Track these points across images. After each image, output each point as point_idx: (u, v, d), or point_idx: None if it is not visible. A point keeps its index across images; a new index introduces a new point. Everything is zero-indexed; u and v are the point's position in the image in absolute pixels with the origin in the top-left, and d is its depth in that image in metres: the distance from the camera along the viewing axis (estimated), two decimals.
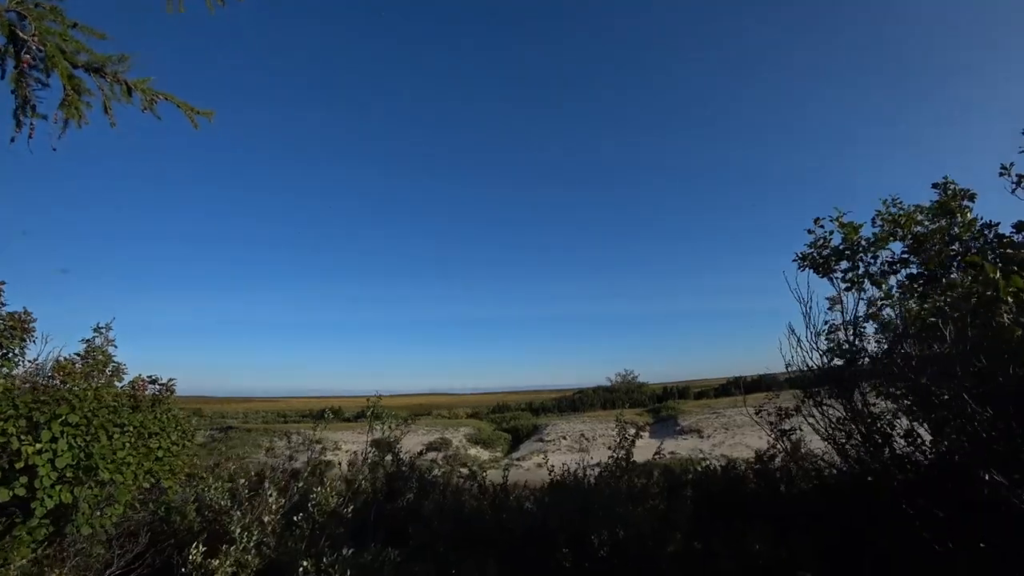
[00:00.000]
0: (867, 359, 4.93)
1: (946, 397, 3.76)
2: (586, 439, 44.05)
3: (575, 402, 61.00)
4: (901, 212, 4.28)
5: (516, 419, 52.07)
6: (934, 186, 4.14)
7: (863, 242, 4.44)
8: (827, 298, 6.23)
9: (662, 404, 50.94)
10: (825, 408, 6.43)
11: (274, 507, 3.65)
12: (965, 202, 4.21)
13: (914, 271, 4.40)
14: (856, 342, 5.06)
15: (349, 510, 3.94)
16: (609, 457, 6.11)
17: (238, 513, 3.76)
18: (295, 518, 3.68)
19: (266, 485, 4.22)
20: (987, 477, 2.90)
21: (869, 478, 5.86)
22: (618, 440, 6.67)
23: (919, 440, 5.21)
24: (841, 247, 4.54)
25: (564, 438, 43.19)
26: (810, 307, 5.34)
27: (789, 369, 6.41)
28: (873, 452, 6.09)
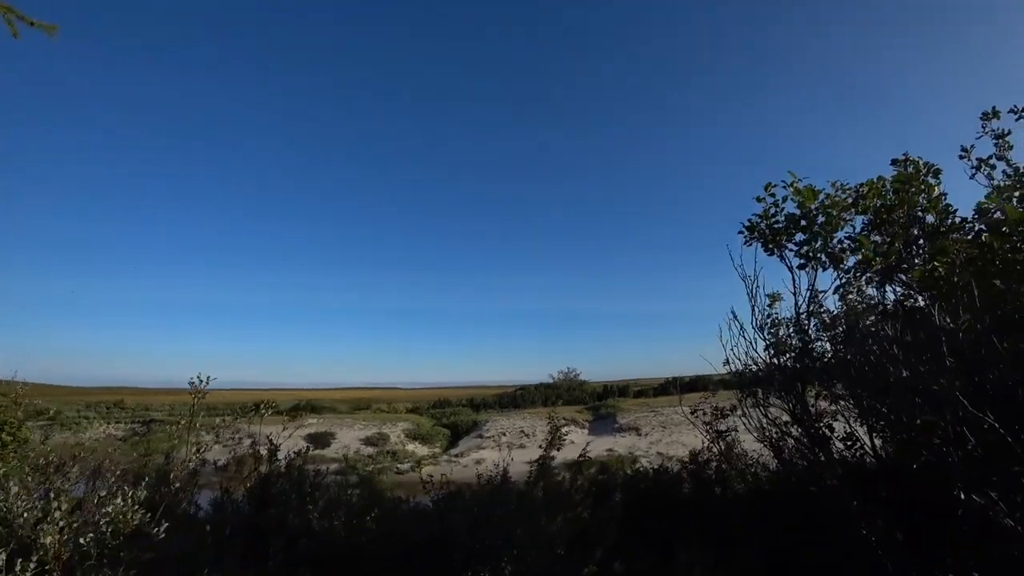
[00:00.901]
0: (819, 355, 4.45)
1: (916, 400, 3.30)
2: (526, 435, 43.94)
3: (516, 399, 60.84)
4: (862, 184, 3.83)
5: (456, 415, 51.42)
6: (893, 162, 3.70)
7: (824, 209, 3.92)
8: (768, 295, 5.82)
9: (602, 402, 51.38)
10: (763, 408, 6.07)
11: (61, 523, 2.76)
12: (930, 178, 3.85)
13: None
14: (810, 333, 4.57)
15: (162, 529, 3.10)
16: (533, 460, 5.51)
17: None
18: (81, 540, 2.80)
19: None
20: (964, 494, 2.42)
21: (806, 482, 5.55)
22: (548, 438, 6.12)
23: (860, 443, 4.87)
24: (797, 214, 4.00)
25: (504, 434, 42.91)
26: (757, 287, 4.88)
27: (728, 365, 5.98)
28: (811, 455, 5.77)
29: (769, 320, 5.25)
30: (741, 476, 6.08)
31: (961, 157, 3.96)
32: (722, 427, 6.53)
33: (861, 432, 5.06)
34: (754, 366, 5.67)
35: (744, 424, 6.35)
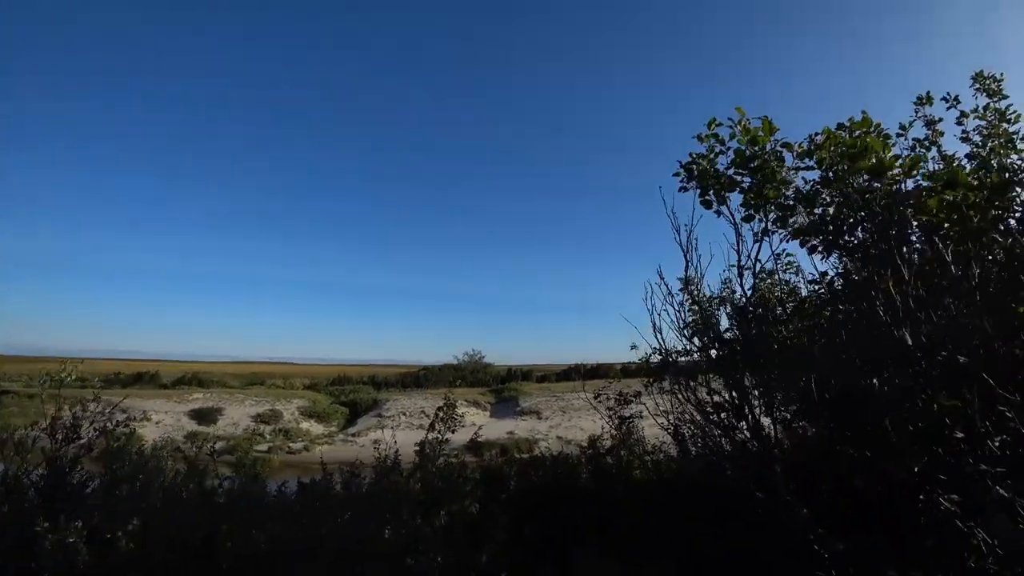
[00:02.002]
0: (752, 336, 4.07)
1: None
2: (427, 416, 43.08)
3: (420, 379, 59.98)
4: (816, 133, 3.46)
5: (356, 392, 49.73)
6: (839, 127, 3.36)
7: (779, 151, 3.49)
8: (679, 278, 5.51)
9: (505, 385, 51.60)
10: (672, 395, 5.80)
11: None
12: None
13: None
14: (750, 307, 4.17)
15: None
16: (419, 442, 4.88)
17: None
18: None
19: None
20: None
21: (708, 471, 5.35)
22: (438, 416, 5.56)
23: (767, 433, 4.66)
24: (748, 152, 3.48)
25: (404, 414, 41.96)
26: (693, 239, 4.27)
27: (653, 337, 5.63)
28: (713, 444, 5.58)
29: (697, 290, 4.89)
30: (643, 465, 5.79)
31: (899, 135, 3.74)
32: (626, 413, 6.23)
33: (766, 422, 4.89)
34: (683, 341, 5.29)
35: (649, 410, 6.09)
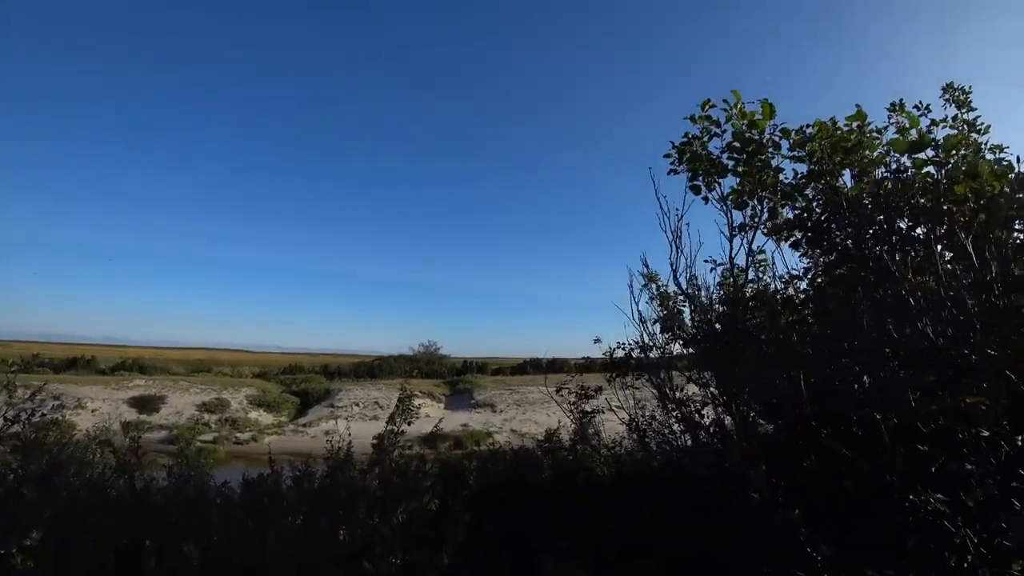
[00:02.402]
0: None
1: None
2: (380, 407, 42.56)
3: (374, 369, 59.09)
4: (808, 125, 3.38)
5: (307, 382, 48.61)
6: (832, 123, 3.30)
7: (778, 137, 3.38)
8: (670, 264, 5.46)
9: (460, 377, 51.43)
10: (634, 390, 5.75)
11: None
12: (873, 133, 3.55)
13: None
14: (745, 295, 4.07)
15: None
16: (376, 435, 4.68)
17: None
18: None
19: None
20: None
21: (670, 468, 5.32)
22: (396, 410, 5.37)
23: (727, 431, 4.64)
24: (748, 135, 3.36)
25: (357, 405, 41.26)
26: (682, 225, 4.10)
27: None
28: (676, 441, 5.56)
29: (692, 277, 4.75)
30: (605, 461, 5.72)
31: (875, 139, 3.74)
32: (588, 408, 6.16)
33: (728, 421, 4.89)
34: (660, 335, 5.22)
35: (611, 406, 6.03)
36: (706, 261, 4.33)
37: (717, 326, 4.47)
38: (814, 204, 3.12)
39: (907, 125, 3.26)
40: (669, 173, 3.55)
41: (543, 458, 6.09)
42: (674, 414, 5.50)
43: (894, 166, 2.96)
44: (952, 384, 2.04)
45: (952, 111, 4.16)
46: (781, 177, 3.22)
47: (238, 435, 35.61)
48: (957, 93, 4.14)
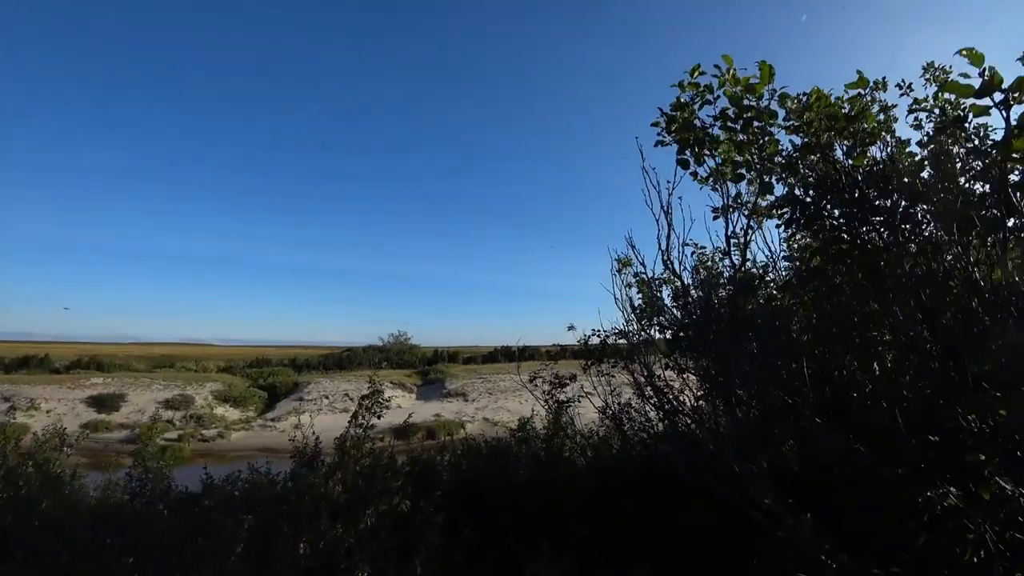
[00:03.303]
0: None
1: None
2: (351, 399, 41.80)
3: (343, 360, 58.21)
4: (804, 93, 3.16)
5: (275, 375, 47.57)
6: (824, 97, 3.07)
7: (775, 104, 3.11)
8: (660, 245, 5.29)
9: (431, 367, 51.03)
10: (610, 378, 5.59)
11: None
12: (880, 93, 3.26)
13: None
14: (741, 272, 3.82)
15: None
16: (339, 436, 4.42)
17: None
18: None
19: None
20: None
21: (649, 458, 5.19)
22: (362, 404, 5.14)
23: (711, 418, 4.51)
24: (744, 101, 2.93)
25: (326, 397, 40.55)
26: (673, 200, 3.83)
27: (611, 324, 5.39)
28: (653, 430, 5.43)
29: (683, 257, 4.45)
30: (581, 451, 5.55)
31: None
32: (562, 397, 5.97)
33: (707, 408, 4.76)
34: (640, 321, 4.96)
35: (587, 394, 5.87)
36: (687, 243, 4.09)
37: (715, 309, 4.27)
38: (810, 179, 2.92)
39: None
40: (657, 144, 3.27)
41: (519, 448, 5.91)
42: (652, 401, 5.38)
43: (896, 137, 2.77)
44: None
45: (932, 90, 4.02)
46: (778, 149, 3.03)
47: (204, 432, 34.63)
48: (938, 72, 3.99)
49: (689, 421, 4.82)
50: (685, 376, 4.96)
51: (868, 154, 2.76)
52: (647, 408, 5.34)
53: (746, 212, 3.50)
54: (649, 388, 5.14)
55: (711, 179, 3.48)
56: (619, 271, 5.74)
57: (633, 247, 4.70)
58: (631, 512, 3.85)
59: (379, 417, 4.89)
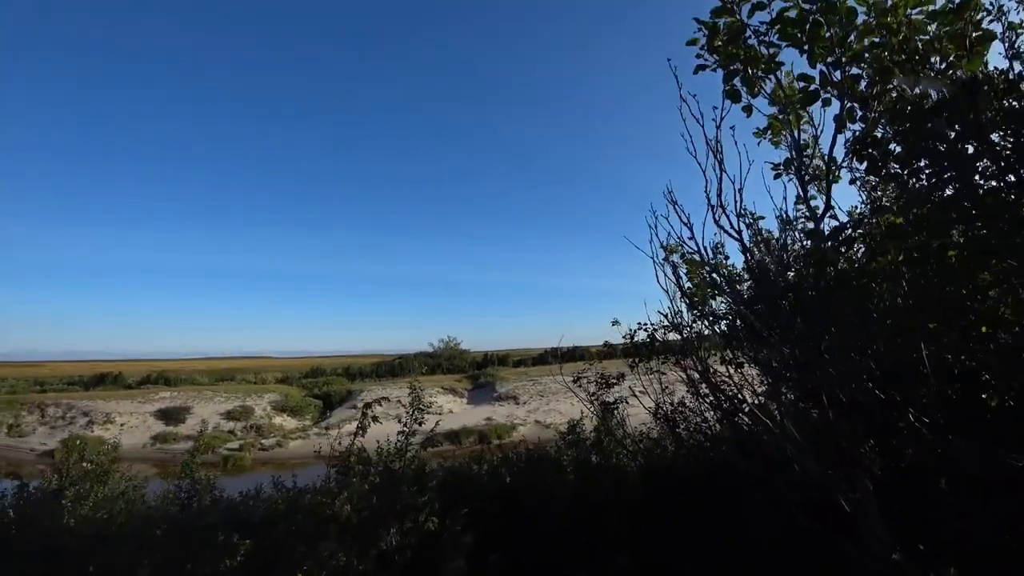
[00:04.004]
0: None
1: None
2: (403, 405, 42.04)
3: (395, 368, 58.93)
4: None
5: (329, 384, 48.53)
6: None
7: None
8: (709, 200, 4.80)
9: (481, 371, 50.96)
10: (659, 375, 5.09)
11: None
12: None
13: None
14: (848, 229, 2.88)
15: None
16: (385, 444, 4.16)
17: None
18: None
19: None
20: None
21: (706, 464, 4.68)
22: (411, 412, 4.92)
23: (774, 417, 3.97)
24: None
25: (379, 404, 40.93)
26: (719, 137, 3.05)
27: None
28: (711, 431, 4.91)
29: (742, 212, 3.45)
30: (632, 455, 5.08)
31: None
32: (609, 398, 5.50)
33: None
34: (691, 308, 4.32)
35: (635, 393, 5.40)
36: (742, 212, 3.36)
37: (786, 277, 3.59)
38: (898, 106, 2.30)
39: None
40: (697, 71, 2.61)
41: (564, 452, 5.49)
42: (707, 399, 4.87)
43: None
44: None
45: None
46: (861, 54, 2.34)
47: (263, 441, 35.61)
48: None
49: (749, 421, 4.30)
50: (744, 371, 4.44)
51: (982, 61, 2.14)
52: (702, 407, 4.84)
53: (821, 157, 2.80)
54: (704, 385, 4.64)
55: (768, 132, 2.88)
56: (665, 259, 5.27)
57: (675, 203, 3.78)
58: (688, 529, 3.39)
59: (419, 424, 4.63)
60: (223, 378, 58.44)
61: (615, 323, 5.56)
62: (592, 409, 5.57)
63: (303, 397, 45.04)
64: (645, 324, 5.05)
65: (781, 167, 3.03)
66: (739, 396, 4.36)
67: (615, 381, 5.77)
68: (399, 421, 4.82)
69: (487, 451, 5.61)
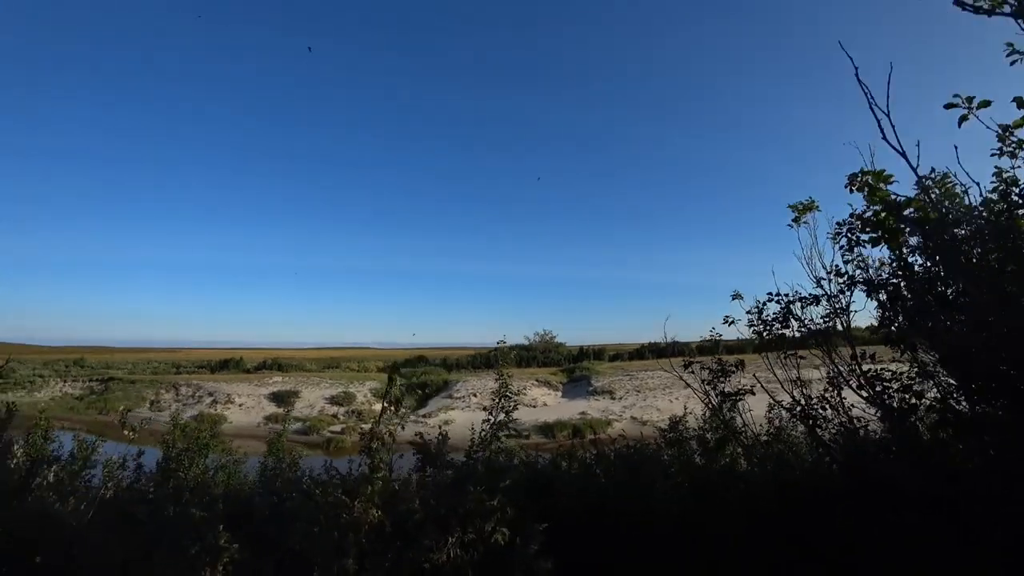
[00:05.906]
0: None
1: None
2: (495, 397, 42.02)
3: (491, 359, 59.35)
4: None
5: (427, 374, 49.72)
6: None
7: None
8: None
9: (577, 364, 50.02)
10: (799, 361, 4.05)
11: None
12: None
13: None
14: None
15: None
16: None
17: None
18: None
19: None
20: None
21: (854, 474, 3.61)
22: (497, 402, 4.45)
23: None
24: None
25: (475, 395, 41.23)
26: None
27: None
28: (856, 436, 3.80)
29: None
30: (758, 461, 4.07)
31: None
32: (728, 388, 4.50)
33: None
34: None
35: (763, 385, 4.40)
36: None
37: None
38: None
39: None
40: None
41: (666, 451, 4.60)
42: (861, 394, 3.79)
43: None
44: None
45: None
46: None
47: (363, 426, 36.96)
48: None
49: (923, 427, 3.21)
50: (921, 358, 3.34)
51: None
52: (846, 404, 3.77)
53: None
54: (860, 378, 3.58)
55: None
56: (796, 220, 4.27)
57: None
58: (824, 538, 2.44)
59: (507, 414, 4.27)
60: (329, 365, 61.73)
61: (735, 296, 4.56)
62: (705, 401, 4.61)
63: (400, 385, 46.42)
64: (776, 294, 4.06)
65: None
66: (913, 391, 3.29)
67: (733, 369, 4.77)
68: (488, 412, 4.45)
69: (576, 447, 4.82)
